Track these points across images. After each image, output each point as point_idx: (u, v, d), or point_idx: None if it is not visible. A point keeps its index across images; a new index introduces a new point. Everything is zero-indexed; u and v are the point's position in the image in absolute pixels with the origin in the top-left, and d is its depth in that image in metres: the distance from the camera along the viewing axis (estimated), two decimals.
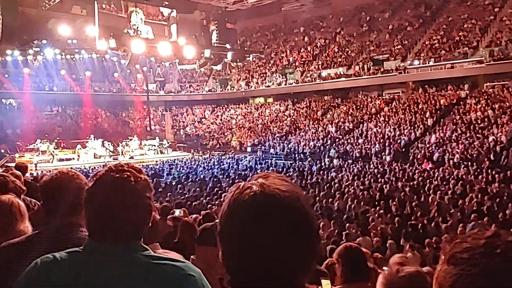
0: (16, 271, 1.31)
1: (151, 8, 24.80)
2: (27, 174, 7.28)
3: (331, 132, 28.79)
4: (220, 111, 41.69)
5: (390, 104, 29.73)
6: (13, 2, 16.84)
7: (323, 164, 22.52)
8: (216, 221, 2.64)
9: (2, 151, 26.13)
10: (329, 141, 27.34)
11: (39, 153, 25.94)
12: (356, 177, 16.79)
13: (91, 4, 20.38)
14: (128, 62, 23.01)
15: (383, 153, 23.31)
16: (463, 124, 23.29)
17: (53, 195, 1.82)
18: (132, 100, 40.18)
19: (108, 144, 28.40)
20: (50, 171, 11.90)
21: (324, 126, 30.22)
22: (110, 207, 1.25)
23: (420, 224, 9.29)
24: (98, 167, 21.61)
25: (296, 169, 20.56)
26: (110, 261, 1.22)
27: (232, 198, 0.93)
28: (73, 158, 26.64)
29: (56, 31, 20.97)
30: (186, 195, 13.37)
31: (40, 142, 26.55)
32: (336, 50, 37.16)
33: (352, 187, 14.30)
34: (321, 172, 18.89)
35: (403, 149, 23.30)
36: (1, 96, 32.92)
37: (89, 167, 22.10)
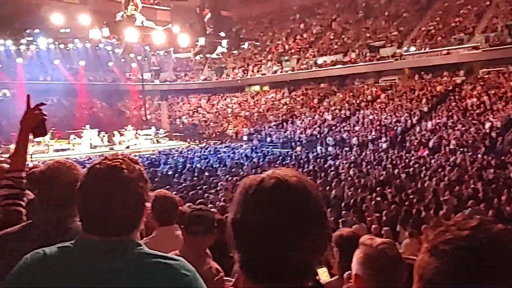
0: (12, 261, 1.27)
1: None
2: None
3: (328, 119, 28.78)
4: (215, 100, 41.52)
5: (386, 91, 29.70)
6: None
7: (319, 152, 22.55)
8: (203, 208, 2.64)
9: None
10: (325, 129, 27.34)
11: (34, 144, 25.79)
12: (352, 164, 16.82)
13: None
14: (122, 51, 22.78)
15: (379, 140, 23.36)
16: (459, 111, 23.33)
17: (49, 185, 1.79)
18: (127, 89, 39.89)
19: (103, 134, 28.27)
20: (45, 162, 11.83)
21: (321, 114, 30.19)
22: (98, 195, 1.20)
23: (416, 211, 9.33)
24: (94, 157, 21.52)
25: (293, 157, 20.57)
26: (100, 258, 1.17)
27: (241, 188, 0.94)
28: (69, 149, 26.52)
29: (49, 19, 20.69)
30: (183, 184, 13.36)
31: None
32: (332, 37, 36.97)
33: (349, 175, 14.33)
34: (318, 160, 18.90)
35: (400, 136, 23.34)
36: None
37: (85, 157, 22.01)
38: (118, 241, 1.20)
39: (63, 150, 26.26)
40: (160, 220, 2.79)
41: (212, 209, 4.70)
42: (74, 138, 27.14)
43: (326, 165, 17.11)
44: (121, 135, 28.97)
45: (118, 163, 1.24)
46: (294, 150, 24.31)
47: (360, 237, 2.56)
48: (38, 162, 19.30)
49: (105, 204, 1.20)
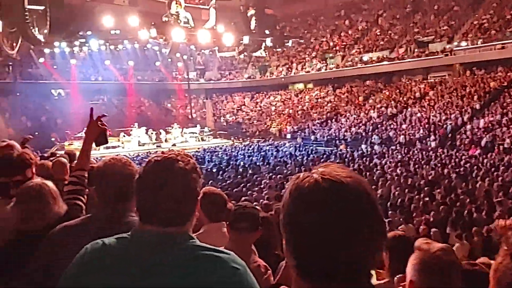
0: (71, 252, 1.34)
1: None
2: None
3: (373, 117, 28.17)
4: (259, 98, 41.65)
5: (435, 88, 28.67)
6: None
7: (364, 150, 22.13)
8: (244, 203, 2.67)
9: (53, 139, 27.34)
10: (371, 127, 26.77)
11: None
12: (399, 163, 16.37)
13: None
14: (169, 51, 23.32)
15: (428, 139, 22.60)
16: None
17: (105, 181, 1.86)
18: (174, 88, 40.83)
19: (151, 132, 29.06)
20: (97, 158, 12.29)
21: (366, 112, 29.59)
22: (154, 185, 1.26)
23: (467, 212, 8.95)
24: (142, 154, 22.19)
25: (337, 155, 20.28)
26: (154, 249, 1.22)
27: (293, 187, 0.92)
28: (119, 146, 27.43)
29: (100, 21, 21.51)
30: (227, 182, 13.51)
31: None
32: (379, 33, 36.12)
33: (396, 174, 13.96)
34: (363, 158, 18.55)
35: (449, 135, 22.47)
36: (50, 86, 34.31)
37: (134, 155, 22.68)
38: (171, 233, 1.25)
39: (113, 147, 27.13)
40: (210, 216, 2.83)
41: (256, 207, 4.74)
42: (124, 136, 28.06)
43: (371, 164, 16.76)
44: (168, 133, 29.68)
45: (174, 156, 1.32)
46: (339, 149, 23.99)
47: (410, 239, 2.50)
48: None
49: (160, 193, 1.25)
